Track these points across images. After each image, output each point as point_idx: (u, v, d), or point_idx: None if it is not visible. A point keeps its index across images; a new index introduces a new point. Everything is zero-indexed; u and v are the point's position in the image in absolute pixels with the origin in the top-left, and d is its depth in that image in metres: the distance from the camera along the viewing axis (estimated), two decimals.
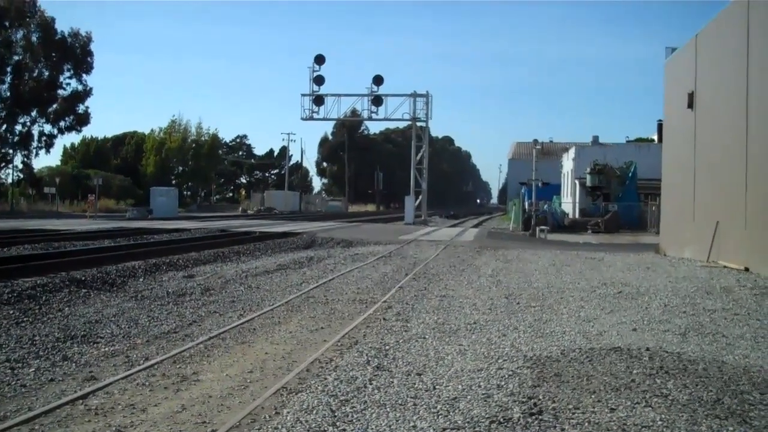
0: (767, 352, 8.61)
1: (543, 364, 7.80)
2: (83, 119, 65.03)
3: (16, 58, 60.26)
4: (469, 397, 6.54)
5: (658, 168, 28.73)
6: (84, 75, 63.91)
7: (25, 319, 10.67)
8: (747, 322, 10.74)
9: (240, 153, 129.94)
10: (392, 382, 7.09)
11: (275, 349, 8.80)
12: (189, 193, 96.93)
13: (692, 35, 23.13)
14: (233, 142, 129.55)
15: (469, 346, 8.82)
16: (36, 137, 63.17)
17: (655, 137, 60.47)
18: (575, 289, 14.33)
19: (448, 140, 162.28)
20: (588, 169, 47.86)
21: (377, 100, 50.82)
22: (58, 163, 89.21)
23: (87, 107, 65.16)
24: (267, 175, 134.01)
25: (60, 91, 63.08)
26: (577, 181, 54.58)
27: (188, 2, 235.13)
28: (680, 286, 14.74)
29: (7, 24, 58.78)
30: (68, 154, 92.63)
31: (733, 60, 19.28)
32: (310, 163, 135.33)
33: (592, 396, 6.53)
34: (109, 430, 5.74)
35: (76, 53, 62.68)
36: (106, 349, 8.85)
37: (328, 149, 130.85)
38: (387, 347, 8.71)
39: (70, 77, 63.35)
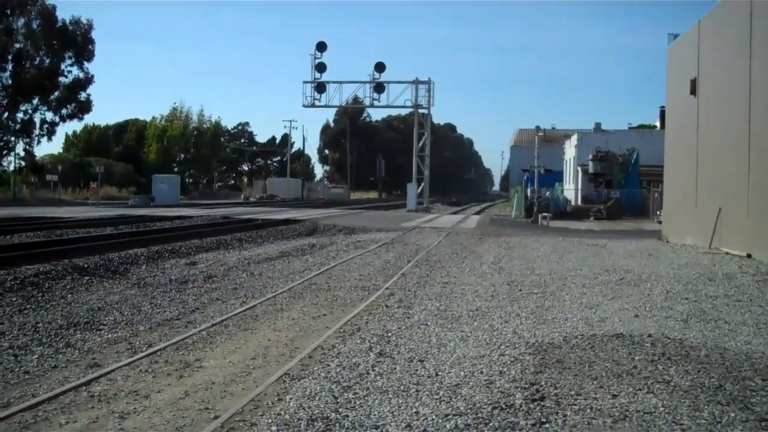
0: None
1: (545, 351, 7.82)
2: (85, 107, 64.76)
3: (17, 45, 60.07)
4: (471, 383, 6.55)
5: (660, 155, 28.70)
6: (85, 62, 63.56)
7: (28, 306, 10.69)
8: (749, 308, 10.75)
9: (242, 140, 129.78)
10: (394, 368, 7.11)
11: (278, 336, 8.83)
12: (191, 180, 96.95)
13: (695, 21, 23.06)
14: (235, 130, 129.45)
15: (471, 332, 8.84)
16: (38, 125, 62.89)
17: (658, 124, 60.31)
18: (577, 276, 14.33)
19: (450, 127, 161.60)
20: (590, 156, 47.77)
21: (379, 87, 50.75)
22: (60, 150, 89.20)
23: (89, 95, 64.86)
24: (269, 162, 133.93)
25: (61, 79, 62.75)
26: (579, 168, 54.48)
27: None
28: (682, 273, 14.74)
29: (8, 12, 58.59)
30: (70, 141, 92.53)
31: (736, 46, 19.22)
32: (312, 151, 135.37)
33: (594, 382, 6.55)
34: (112, 416, 5.76)
35: (78, 41, 62.37)
36: (109, 336, 8.87)
37: (329, 136, 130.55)
38: (389, 334, 8.73)
39: (71, 65, 63.02)
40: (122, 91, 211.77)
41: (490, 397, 6.09)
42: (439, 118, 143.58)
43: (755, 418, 5.62)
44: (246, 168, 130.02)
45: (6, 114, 60.28)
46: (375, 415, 5.69)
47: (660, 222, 32.93)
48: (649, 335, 8.59)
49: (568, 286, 13.05)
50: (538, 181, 41.69)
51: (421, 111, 52.89)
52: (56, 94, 62.85)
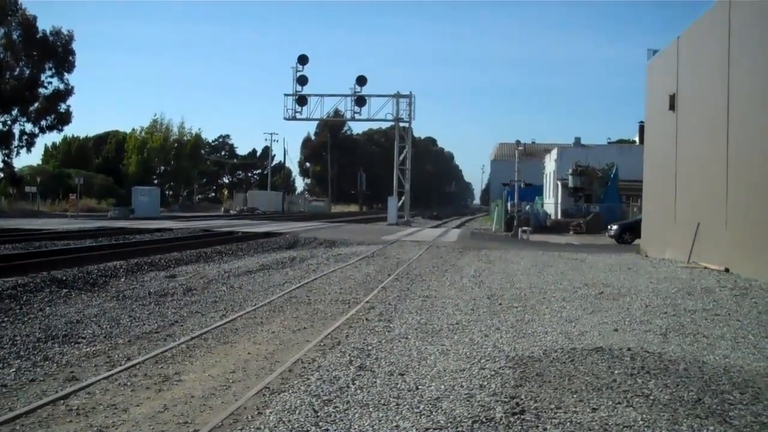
0: (747, 352, 8.68)
1: (525, 364, 7.83)
2: (65, 118, 64.41)
3: None
4: (451, 397, 6.55)
5: (639, 169, 28.92)
6: (66, 74, 63.29)
7: (5, 319, 10.59)
8: (727, 322, 10.82)
9: (222, 153, 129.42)
10: (375, 382, 7.10)
11: (258, 350, 8.79)
12: (171, 192, 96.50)
13: (674, 37, 23.29)
14: (216, 142, 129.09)
15: (451, 346, 8.85)
16: (17, 136, 62.53)
17: (637, 138, 60.86)
18: (557, 290, 14.38)
19: (431, 141, 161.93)
20: (570, 170, 48.10)
21: (360, 101, 50.85)
22: (39, 162, 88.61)
23: (68, 106, 64.56)
24: (250, 175, 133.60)
25: (41, 90, 62.44)
26: (559, 182, 54.78)
27: (171, 1, 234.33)
28: (661, 287, 14.82)
29: None
30: (49, 153, 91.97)
31: (715, 62, 19.42)
32: (292, 164, 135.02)
33: (574, 396, 6.56)
34: (90, 430, 5.71)
35: (58, 52, 62.08)
36: (88, 349, 8.81)
37: (311, 149, 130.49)
38: (370, 347, 8.72)
39: (51, 76, 62.73)
40: (102, 103, 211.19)
41: (470, 411, 6.09)
42: (420, 131, 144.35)
43: None
44: (226, 180, 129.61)
45: None
46: (355, 428, 5.68)
47: (611, 236, 33.48)
48: (629, 349, 8.62)
49: (548, 299, 13.09)
50: (519, 195, 41.88)
51: (402, 124, 53.05)
52: (36, 105, 62.53)
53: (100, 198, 72.77)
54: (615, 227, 34.35)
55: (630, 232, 33.55)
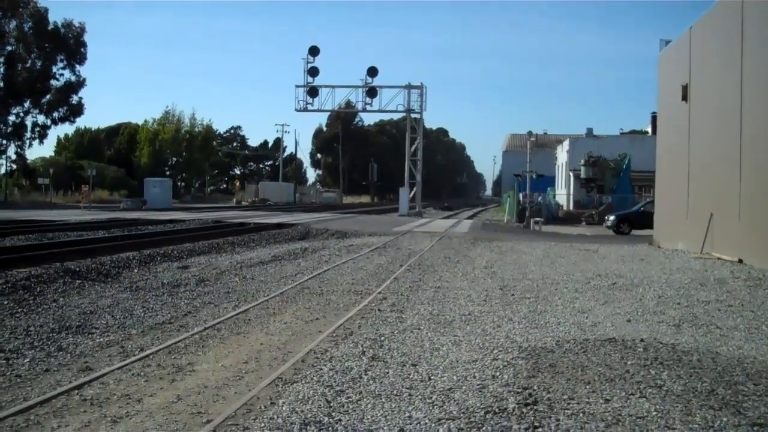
0: (761, 343, 8.66)
1: (538, 355, 7.83)
2: (77, 110, 64.64)
3: (8, 48, 59.92)
4: (464, 387, 6.56)
5: (651, 160, 28.79)
6: (77, 65, 63.49)
7: (19, 309, 10.64)
8: (741, 313, 10.79)
9: (234, 144, 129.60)
10: (387, 372, 7.10)
11: (270, 340, 8.81)
12: (183, 184, 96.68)
13: (686, 28, 23.15)
14: (227, 133, 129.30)
15: (464, 337, 8.85)
16: (29, 128, 62.85)
17: (649, 129, 60.59)
18: (569, 281, 14.36)
19: (443, 132, 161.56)
20: (582, 161, 47.93)
21: (372, 92, 50.72)
22: (52, 153, 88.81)
23: (80, 98, 64.80)
24: (261, 166, 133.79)
25: (53, 82, 62.72)
26: (571, 173, 54.63)
27: None
28: (674, 278, 14.78)
29: None
30: (62, 144, 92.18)
31: (728, 52, 19.30)
32: (304, 155, 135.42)
33: (587, 386, 6.56)
34: (104, 420, 5.74)
35: (70, 44, 62.26)
36: (101, 339, 8.84)
37: (322, 141, 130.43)
38: (382, 338, 8.72)
39: (63, 68, 62.94)
40: (114, 95, 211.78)
41: (483, 402, 6.09)
42: (431, 122, 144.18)
43: (747, 423, 5.64)
44: (238, 172, 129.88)
45: None
46: (368, 419, 5.69)
47: (608, 227, 33.52)
48: (642, 340, 8.61)
49: (560, 290, 13.07)
50: (530, 185, 41.76)
51: (413, 116, 52.95)
52: (48, 96, 62.78)
53: (112, 189, 72.97)
54: (612, 218, 34.35)
55: (627, 223, 33.52)
